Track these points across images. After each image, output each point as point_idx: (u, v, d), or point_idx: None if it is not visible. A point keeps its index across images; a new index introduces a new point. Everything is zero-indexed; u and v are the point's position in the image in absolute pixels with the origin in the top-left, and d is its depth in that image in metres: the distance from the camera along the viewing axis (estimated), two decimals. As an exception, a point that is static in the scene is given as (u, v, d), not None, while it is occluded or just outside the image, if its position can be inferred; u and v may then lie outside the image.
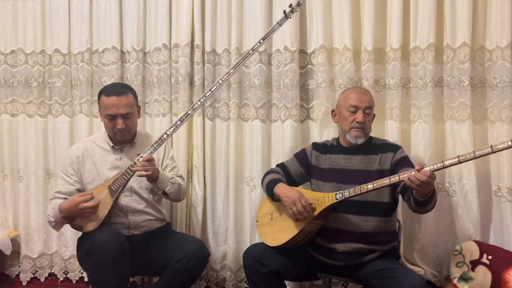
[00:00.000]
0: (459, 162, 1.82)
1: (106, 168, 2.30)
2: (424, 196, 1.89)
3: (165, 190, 2.27)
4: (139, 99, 2.78)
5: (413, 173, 1.82)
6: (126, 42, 2.81)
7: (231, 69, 2.34)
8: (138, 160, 2.16)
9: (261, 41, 2.34)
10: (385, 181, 1.92)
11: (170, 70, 2.77)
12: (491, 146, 1.76)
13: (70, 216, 2.18)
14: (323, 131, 2.56)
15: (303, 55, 2.62)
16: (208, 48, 2.71)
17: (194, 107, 2.30)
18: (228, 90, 2.69)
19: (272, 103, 2.67)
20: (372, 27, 2.43)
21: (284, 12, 2.31)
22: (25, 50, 2.92)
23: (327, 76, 2.54)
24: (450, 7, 2.35)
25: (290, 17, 2.34)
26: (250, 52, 2.34)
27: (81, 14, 2.83)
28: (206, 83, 2.73)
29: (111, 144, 2.32)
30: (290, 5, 2.32)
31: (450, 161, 1.82)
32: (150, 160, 2.16)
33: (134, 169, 2.16)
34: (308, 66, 2.60)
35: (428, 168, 1.81)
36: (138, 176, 2.18)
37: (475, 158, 1.79)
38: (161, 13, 2.75)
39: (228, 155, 2.71)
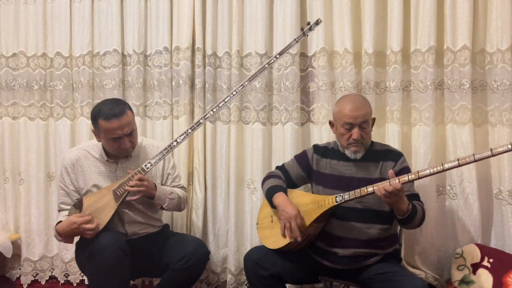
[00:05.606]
0: (459, 165, 1.85)
1: (101, 179, 2.28)
2: (402, 214, 1.94)
3: (163, 206, 2.29)
4: (140, 102, 2.81)
5: (381, 185, 1.89)
6: (127, 45, 2.82)
7: (245, 81, 2.35)
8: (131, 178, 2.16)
9: (277, 56, 2.35)
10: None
11: (171, 73, 2.77)
12: (491, 149, 1.79)
13: (71, 236, 2.18)
14: (324, 134, 2.55)
15: (303, 58, 2.62)
16: (209, 51, 2.71)
17: (206, 117, 2.31)
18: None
19: (272, 106, 2.67)
20: (372, 30, 2.43)
21: (302, 29, 2.34)
22: (27, 53, 2.93)
23: (327, 79, 2.54)
24: (451, 10, 2.35)
25: (307, 35, 2.38)
26: (266, 66, 2.36)
27: (82, 17, 2.84)
28: (207, 86, 2.73)
29: (106, 158, 2.30)
30: (308, 23, 2.33)
31: (450, 164, 1.85)
32: (141, 180, 2.16)
33: (126, 188, 2.15)
34: (309, 69, 2.60)
35: (397, 181, 1.88)
36: (128, 199, 2.18)
37: (475, 161, 1.82)
38: (162, 16, 2.75)
39: (229, 158, 2.71)
